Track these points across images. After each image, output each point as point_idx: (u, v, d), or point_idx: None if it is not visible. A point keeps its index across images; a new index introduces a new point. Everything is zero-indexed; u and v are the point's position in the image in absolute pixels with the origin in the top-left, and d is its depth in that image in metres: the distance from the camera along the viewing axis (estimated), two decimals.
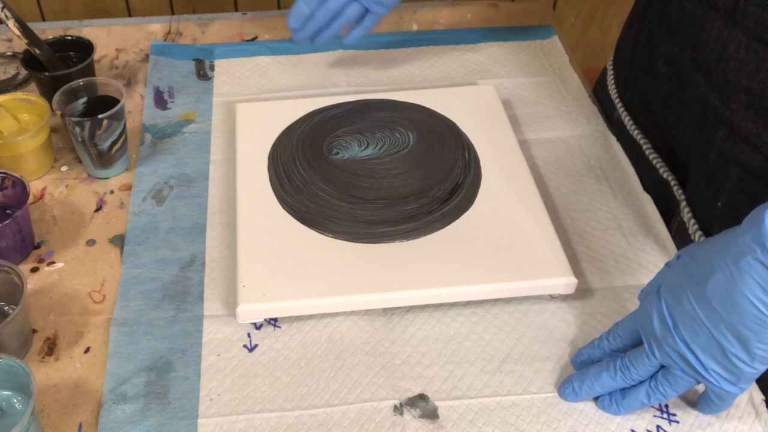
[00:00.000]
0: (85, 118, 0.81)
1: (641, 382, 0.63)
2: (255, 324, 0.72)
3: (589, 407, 0.66)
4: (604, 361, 0.65)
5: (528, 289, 0.73)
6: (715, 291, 0.56)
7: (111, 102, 0.84)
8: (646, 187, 0.85)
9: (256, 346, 0.71)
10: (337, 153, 0.84)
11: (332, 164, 0.83)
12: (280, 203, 0.79)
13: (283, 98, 0.96)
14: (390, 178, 0.82)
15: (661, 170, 0.84)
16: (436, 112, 0.90)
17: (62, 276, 0.76)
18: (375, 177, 0.82)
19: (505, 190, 0.81)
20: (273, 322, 0.73)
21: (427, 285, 0.72)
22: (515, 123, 0.93)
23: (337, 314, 0.73)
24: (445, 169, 0.83)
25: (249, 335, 0.72)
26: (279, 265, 0.73)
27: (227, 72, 1.01)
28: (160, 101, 0.96)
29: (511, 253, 0.74)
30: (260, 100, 0.96)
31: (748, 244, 0.53)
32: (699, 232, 0.76)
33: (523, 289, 0.73)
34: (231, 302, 0.73)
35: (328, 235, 0.76)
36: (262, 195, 0.80)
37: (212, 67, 1.02)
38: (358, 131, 0.87)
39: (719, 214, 0.75)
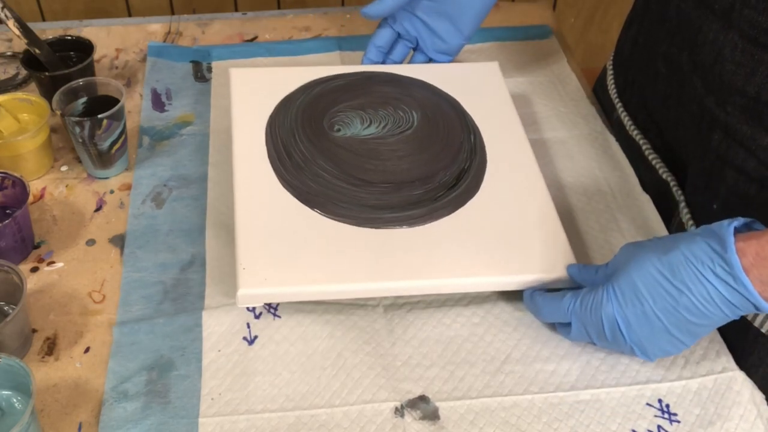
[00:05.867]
0: (85, 118, 0.81)
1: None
2: (254, 313, 0.72)
3: (589, 408, 0.66)
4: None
5: (533, 283, 0.72)
6: (690, 306, 0.61)
7: (111, 102, 0.83)
8: (646, 188, 0.85)
9: (255, 337, 0.71)
10: (339, 130, 0.82)
11: (334, 142, 0.81)
12: (279, 180, 0.76)
13: None
14: (395, 161, 0.79)
15: (660, 171, 0.84)
16: (440, 90, 0.89)
17: (62, 276, 0.76)
18: (379, 158, 0.79)
19: (510, 175, 0.80)
20: (273, 311, 0.72)
21: (432, 275, 0.70)
22: None
23: (337, 313, 0.72)
24: (451, 153, 0.81)
25: (248, 325, 0.71)
26: (280, 248, 0.71)
27: (225, 74, 1.01)
28: (158, 103, 0.96)
29: (516, 244, 0.73)
30: None
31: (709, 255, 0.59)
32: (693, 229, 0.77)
33: (528, 283, 0.72)
34: (231, 294, 0.73)
35: (331, 218, 0.73)
36: (261, 170, 0.77)
37: (210, 69, 1.02)
38: (360, 107, 0.85)
39: (715, 217, 0.74)
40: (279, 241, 0.71)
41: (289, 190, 0.75)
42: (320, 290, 0.69)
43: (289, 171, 0.77)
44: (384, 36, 0.92)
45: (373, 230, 0.73)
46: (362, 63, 0.93)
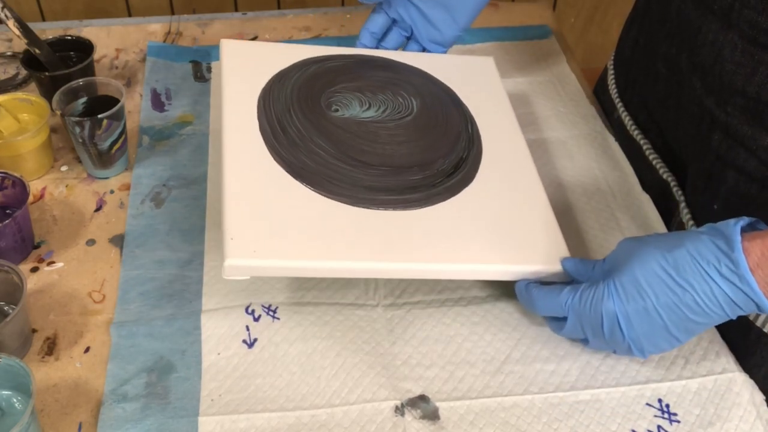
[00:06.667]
0: (85, 118, 0.81)
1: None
2: (253, 316, 0.72)
3: (589, 408, 0.66)
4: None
5: (526, 274, 0.71)
6: (693, 304, 0.61)
7: (111, 102, 0.83)
8: (647, 187, 0.85)
9: (255, 340, 0.71)
10: (337, 110, 0.80)
11: (331, 121, 0.78)
12: (272, 154, 0.73)
13: None
14: (394, 146, 0.78)
15: (660, 171, 0.84)
16: (436, 79, 0.88)
17: (62, 276, 0.76)
18: (378, 142, 0.78)
19: (505, 167, 0.79)
20: (272, 313, 0.72)
21: (424, 259, 0.69)
22: None
23: (337, 314, 0.73)
24: (449, 141, 0.80)
25: (248, 328, 0.71)
26: (270, 222, 0.67)
27: None
28: (158, 103, 0.96)
29: (511, 235, 0.72)
30: None
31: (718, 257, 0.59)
32: (694, 228, 0.76)
33: (520, 274, 0.71)
34: (230, 296, 0.73)
35: (324, 195, 0.71)
36: (252, 143, 0.74)
37: (209, 69, 1.02)
38: (358, 89, 0.83)
39: (715, 217, 0.75)
40: (269, 215, 0.68)
41: (282, 165, 0.72)
42: (310, 266, 0.66)
43: (283, 146, 0.74)
44: (378, 21, 0.91)
45: (368, 210, 0.71)
46: (356, 47, 0.92)
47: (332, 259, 0.67)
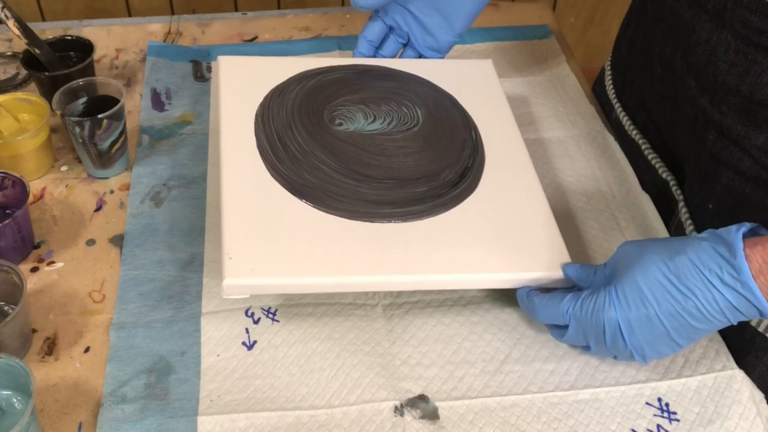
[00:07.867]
0: (85, 118, 0.81)
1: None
2: (253, 318, 0.72)
3: (589, 407, 0.66)
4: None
5: (528, 282, 0.71)
6: (695, 311, 0.61)
7: (111, 102, 0.84)
8: (646, 187, 0.85)
9: (255, 342, 0.71)
10: (341, 124, 0.79)
11: (336, 136, 0.78)
12: (270, 172, 0.73)
13: None
14: (402, 158, 0.77)
15: (660, 170, 0.84)
16: (437, 86, 0.87)
17: (62, 276, 0.76)
18: (386, 155, 0.77)
19: (507, 174, 0.79)
20: (272, 316, 0.72)
21: (424, 271, 0.69)
22: None
23: (336, 314, 0.73)
24: (455, 150, 0.79)
25: (247, 330, 0.71)
26: (269, 239, 0.68)
27: None
28: (158, 103, 0.96)
29: (512, 243, 0.72)
30: None
31: (719, 264, 0.59)
32: (695, 233, 0.76)
33: (522, 281, 0.71)
34: (230, 299, 0.73)
35: (323, 211, 0.71)
36: (250, 161, 0.74)
37: (209, 69, 1.02)
38: (361, 101, 0.82)
39: (711, 216, 0.75)
40: (267, 233, 0.68)
41: (280, 182, 0.72)
42: (309, 282, 0.67)
43: (283, 163, 0.74)
44: (374, 29, 0.91)
45: (369, 224, 0.71)
46: (353, 56, 0.92)
47: (332, 275, 0.67)
